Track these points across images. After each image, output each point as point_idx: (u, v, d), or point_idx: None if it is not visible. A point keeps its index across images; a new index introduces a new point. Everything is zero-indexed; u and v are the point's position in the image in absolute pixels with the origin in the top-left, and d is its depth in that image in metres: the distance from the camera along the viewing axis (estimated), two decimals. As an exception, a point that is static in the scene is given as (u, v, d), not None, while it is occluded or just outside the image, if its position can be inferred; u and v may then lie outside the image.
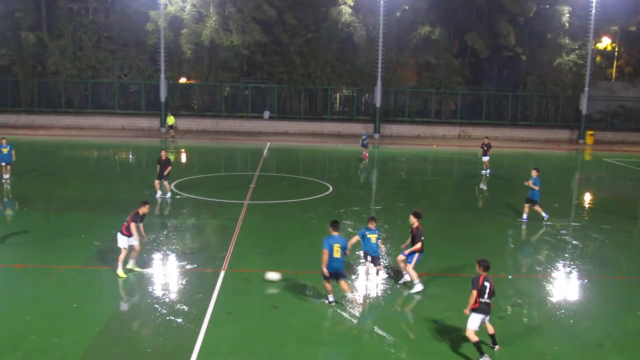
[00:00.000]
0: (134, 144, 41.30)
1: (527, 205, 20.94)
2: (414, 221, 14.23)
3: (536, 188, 20.52)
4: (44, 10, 49.57)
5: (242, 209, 21.38)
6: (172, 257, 15.94)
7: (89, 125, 48.38)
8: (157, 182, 22.98)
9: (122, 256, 14.47)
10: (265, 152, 37.96)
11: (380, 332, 11.78)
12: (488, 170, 30.84)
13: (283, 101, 52.32)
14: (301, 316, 12.44)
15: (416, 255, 14.09)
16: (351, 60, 50.67)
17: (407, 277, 14.37)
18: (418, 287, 13.93)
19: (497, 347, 11.20)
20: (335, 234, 12.92)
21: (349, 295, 13.23)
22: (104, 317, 12.06)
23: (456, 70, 51.42)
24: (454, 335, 11.64)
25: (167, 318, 11.97)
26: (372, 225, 14.14)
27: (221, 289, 13.67)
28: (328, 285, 12.98)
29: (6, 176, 24.39)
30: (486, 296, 10.71)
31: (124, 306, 12.89)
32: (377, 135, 47.87)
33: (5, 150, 24.14)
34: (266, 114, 51.01)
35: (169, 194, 22.99)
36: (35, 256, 15.82)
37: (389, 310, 13.05)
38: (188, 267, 15.20)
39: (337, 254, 12.69)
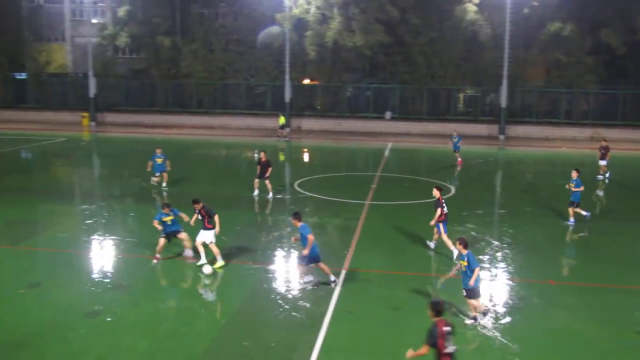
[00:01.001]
0: (259, 143, 42.54)
1: (570, 209, 19.96)
2: (436, 193, 16.24)
3: (575, 189, 19.75)
4: (178, 16, 52.27)
5: (363, 209, 21.45)
6: (295, 255, 16.28)
7: (218, 125, 50.42)
8: (257, 181, 23.35)
9: (215, 249, 15.01)
10: (386, 152, 37.86)
11: (503, 339, 11.39)
12: (607, 174, 29.06)
13: (405, 101, 51.94)
14: (423, 319, 12.25)
15: (441, 224, 16.00)
16: (476, 60, 49.41)
17: (431, 245, 16.68)
18: (454, 253, 15.68)
19: None
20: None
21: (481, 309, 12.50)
22: (231, 310, 12.53)
23: (589, 68, 48.71)
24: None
25: (290, 314, 12.22)
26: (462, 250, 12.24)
27: (342, 287, 13.78)
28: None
29: (164, 184, 24.29)
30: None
31: (250, 300, 13.27)
32: (502, 137, 46.39)
33: (159, 161, 23.81)
34: (388, 114, 50.86)
35: (270, 194, 23.17)
36: (169, 248, 16.68)
37: (513, 317, 12.58)
38: (310, 264, 15.43)
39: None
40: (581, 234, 19.27)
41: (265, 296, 13.30)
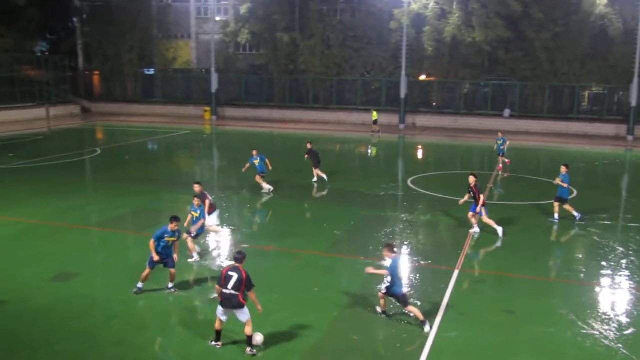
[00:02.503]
0: (374, 139, 42.58)
1: (556, 204, 19.65)
2: (472, 181, 17.47)
3: (565, 186, 19.39)
4: (297, 13, 53.28)
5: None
6: (407, 251, 16.21)
7: (333, 120, 51.00)
8: (316, 171, 24.81)
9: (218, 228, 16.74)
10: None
11: (625, 351, 10.78)
12: None
13: (525, 99, 50.12)
14: (538, 325, 11.85)
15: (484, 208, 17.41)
16: (604, 56, 46.79)
17: (477, 229, 17.70)
18: (500, 231, 17.28)
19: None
20: None
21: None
22: (341, 303, 12.66)
23: None
24: None
25: (401, 310, 12.18)
26: None
27: (455, 288, 13.56)
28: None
29: (266, 187, 23.12)
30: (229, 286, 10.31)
31: (361, 294, 13.32)
32: (630, 138, 43.70)
33: (257, 162, 22.96)
34: (506, 112, 49.30)
35: (318, 178, 24.91)
36: (280, 240, 17.13)
37: (637, 328, 11.85)
38: (422, 262, 15.34)
39: None
40: None
41: (377, 292, 13.31)
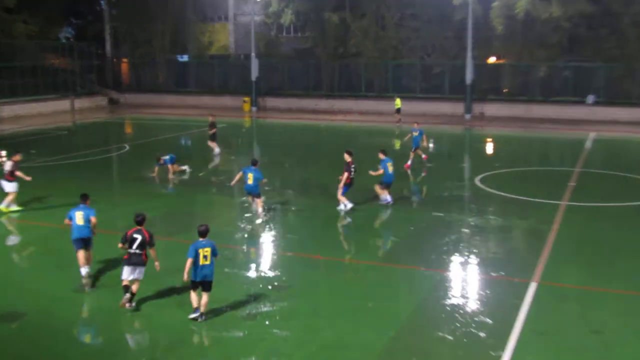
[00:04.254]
0: (435, 131, 42.05)
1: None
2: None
3: (381, 172, 20.41)
4: (347, -11, 53.25)
5: (558, 210, 20.42)
6: (475, 261, 15.88)
7: (388, 111, 50.56)
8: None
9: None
10: (588, 144, 35.80)
11: None
12: None
13: (612, 83, 48.73)
14: (631, 347, 11.40)
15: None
16: None
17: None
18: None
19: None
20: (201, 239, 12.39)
21: None
22: (400, 320, 12.46)
23: None
24: None
25: (468, 329, 11.90)
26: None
27: (532, 304, 13.17)
28: None
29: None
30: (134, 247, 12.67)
31: (421, 311, 13.11)
32: None
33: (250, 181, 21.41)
34: (590, 98, 48.03)
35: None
36: (330, 248, 17.01)
37: None
38: (492, 274, 15.00)
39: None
40: None
41: (440, 307, 13.07)
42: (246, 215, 20.27)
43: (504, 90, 51.52)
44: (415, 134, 27.78)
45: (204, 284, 12.35)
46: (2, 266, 16.06)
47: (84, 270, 14.26)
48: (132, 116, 50.32)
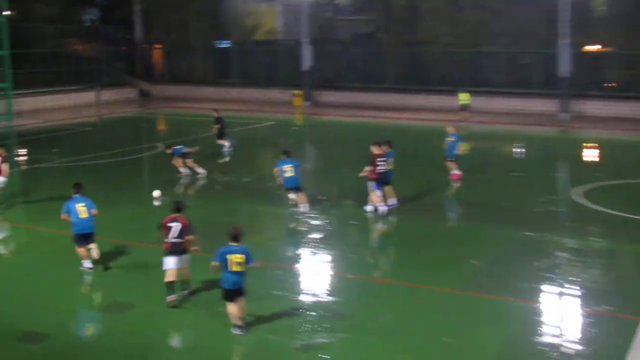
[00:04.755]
0: (523, 133, 41.51)
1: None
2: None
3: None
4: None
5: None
6: (573, 291, 15.59)
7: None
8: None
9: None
10: None
11: None
12: None
13: None
14: None
15: None
16: None
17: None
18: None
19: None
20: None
21: None
22: (485, 358, 12.29)
23: None
24: None
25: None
26: None
27: (647, 348, 12.84)
28: None
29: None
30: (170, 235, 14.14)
31: (508, 349, 12.89)
32: None
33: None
34: None
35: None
36: (398, 270, 16.87)
37: None
38: (594, 307, 14.68)
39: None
40: None
41: (530, 346, 12.86)
42: (299, 228, 20.29)
43: (609, 85, 50.41)
44: (451, 139, 26.57)
45: (235, 292, 12.77)
46: (22, 279, 16.48)
47: (87, 263, 16.31)
48: (164, 111, 51.12)
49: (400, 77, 54.69)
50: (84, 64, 57.63)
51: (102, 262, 16.57)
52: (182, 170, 27.07)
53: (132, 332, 13.25)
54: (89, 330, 13.40)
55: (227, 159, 32.24)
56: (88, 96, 53.55)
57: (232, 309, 12.80)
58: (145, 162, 32.14)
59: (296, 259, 17.94)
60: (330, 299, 15.09)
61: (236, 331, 12.86)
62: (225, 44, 62.33)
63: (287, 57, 57.95)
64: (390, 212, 21.60)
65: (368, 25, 56.62)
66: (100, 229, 19.66)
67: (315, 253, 18.32)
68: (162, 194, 23.30)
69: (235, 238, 12.78)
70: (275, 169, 21.77)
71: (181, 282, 14.50)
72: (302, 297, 15.18)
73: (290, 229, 20.81)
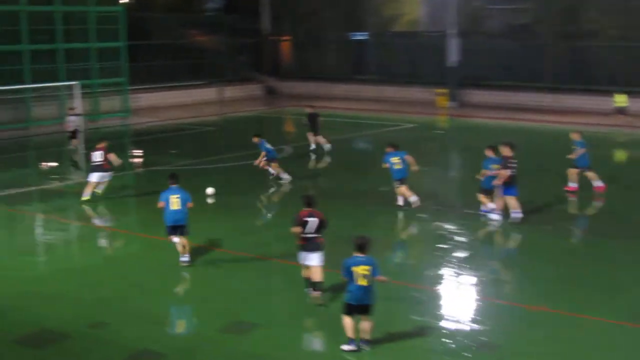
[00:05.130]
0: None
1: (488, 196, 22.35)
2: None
3: (488, 173, 22.07)
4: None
5: None
6: None
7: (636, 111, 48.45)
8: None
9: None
10: None
11: None
12: None
13: None
14: None
15: None
16: None
17: None
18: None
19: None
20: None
21: None
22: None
23: None
24: None
25: None
26: None
27: None
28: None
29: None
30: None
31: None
32: None
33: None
34: None
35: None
36: (552, 295, 16.61)
37: None
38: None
39: None
40: None
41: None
42: (439, 245, 20.26)
43: None
44: (578, 149, 26.10)
45: (361, 308, 12.83)
46: (134, 293, 17.11)
47: (184, 258, 18.11)
48: (293, 110, 51.62)
49: (559, 75, 53.40)
50: (206, 57, 58.98)
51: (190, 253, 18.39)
52: (272, 171, 28.43)
53: (256, 354, 13.57)
54: (208, 352, 13.80)
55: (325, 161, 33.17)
56: (209, 93, 54.81)
57: (348, 321, 12.99)
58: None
59: (437, 279, 17.90)
60: (475, 326, 15.03)
61: (347, 347, 13.02)
62: (361, 36, 62.52)
63: (430, 51, 57.46)
64: (514, 222, 21.92)
65: (524, 15, 55.67)
66: (218, 240, 20.40)
67: (458, 274, 18.21)
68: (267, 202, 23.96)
69: (361, 248, 12.93)
70: (385, 165, 23.59)
71: (312, 283, 15.51)
72: (444, 323, 15.13)
73: (431, 245, 20.75)
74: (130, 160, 33.07)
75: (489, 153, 22.86)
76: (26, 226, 23.82)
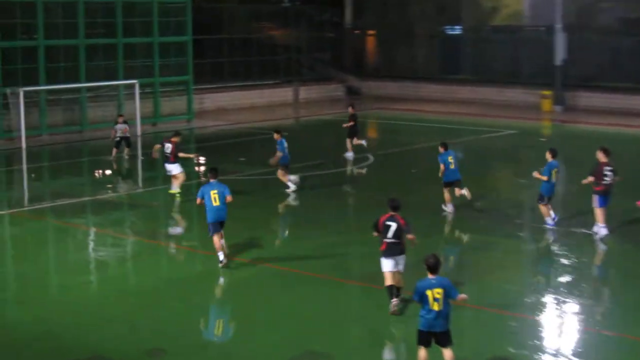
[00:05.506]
0: None
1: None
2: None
3: (544, 178, 22.71)
4: None
5: None
6: None
7: None
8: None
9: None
10: None
11: None
12: None
13: None
14: None
15: None
16: None
17: None
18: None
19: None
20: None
21: None
22: None
23: None
24: None
25: None
26: None
27: None
28: None
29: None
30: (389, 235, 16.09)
31: None
32: None
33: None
34: None
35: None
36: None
37: None
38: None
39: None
40: None
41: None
42: (540, 269, 20.22)
43: None
44: None
45: (436, 336, 12.72)
46: (194, 320, 17.33)
47: (221, 256, 19.09)
48: (377, 113, 51.66)
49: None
50: (281, 53, 59.33)
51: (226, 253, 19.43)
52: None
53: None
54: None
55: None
56: (284, 93, 55.18)
57: (423, 354, 12.84)
58: (350, 178, 32.88)
59: (536, 306, 17.85)
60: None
61: None
62: (455, 31, 62.47)
63: (534, 47, 57.14)
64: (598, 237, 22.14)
65: (636, 8, 54.81)
66: (291, 258, 20.60)
67: (561, 301, 18.13)
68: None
69: (433, 269, 12.82)
70: (442, 166, 24.64)
71: (397, 289, 16.09)
72: (545, 358, 15.14)
73: (531, 269, 20.71)
74: (196, 168, 33.19)
75: (549, 157, 23.39)
76: (78, 241, 24.20)
